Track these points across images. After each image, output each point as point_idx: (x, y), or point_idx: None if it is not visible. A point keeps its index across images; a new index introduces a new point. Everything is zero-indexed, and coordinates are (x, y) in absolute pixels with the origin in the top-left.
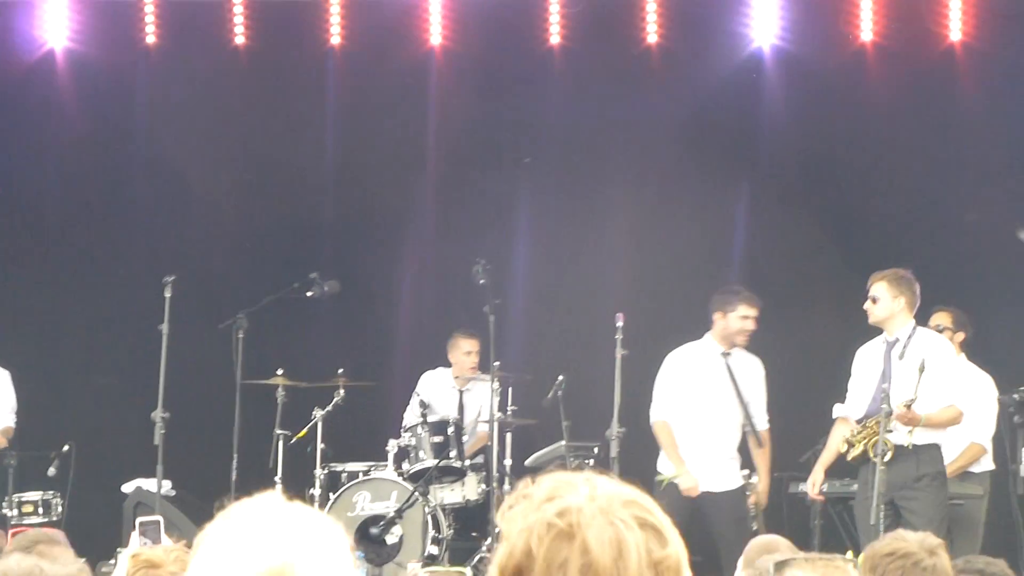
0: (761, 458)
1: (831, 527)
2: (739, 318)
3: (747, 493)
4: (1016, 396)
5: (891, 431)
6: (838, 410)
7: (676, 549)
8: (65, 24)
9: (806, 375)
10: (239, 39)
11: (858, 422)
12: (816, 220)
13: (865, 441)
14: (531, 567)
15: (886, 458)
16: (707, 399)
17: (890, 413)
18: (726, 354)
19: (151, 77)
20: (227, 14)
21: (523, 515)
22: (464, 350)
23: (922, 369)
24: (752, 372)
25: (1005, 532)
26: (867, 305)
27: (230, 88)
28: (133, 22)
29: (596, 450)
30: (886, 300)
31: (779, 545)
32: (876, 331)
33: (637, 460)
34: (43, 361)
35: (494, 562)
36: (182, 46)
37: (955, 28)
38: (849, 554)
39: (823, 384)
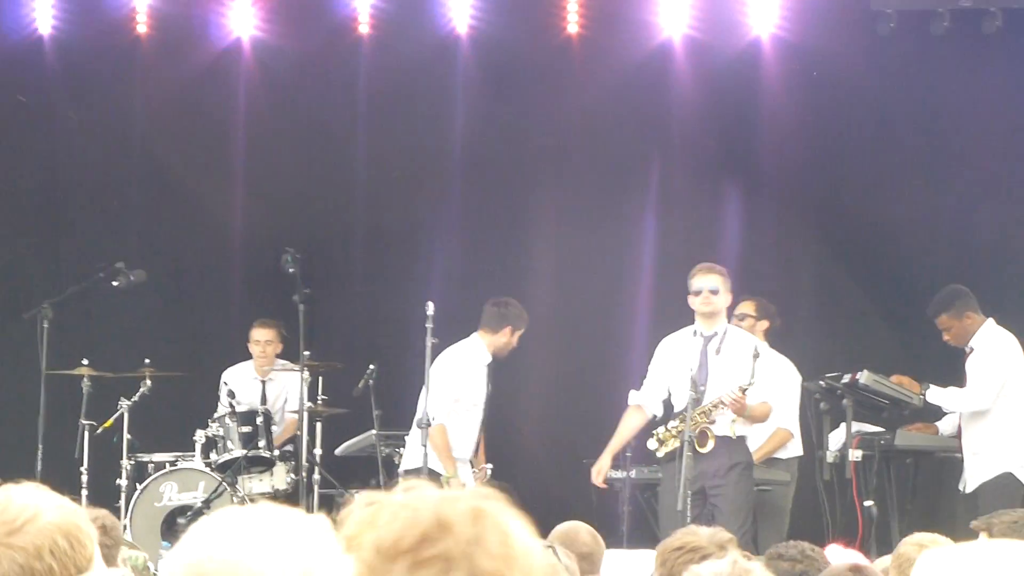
0: None
1: (639, 513)
2: None
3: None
4: (822, 383)
5: (713, 422)
6: (634, 397)
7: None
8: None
9: (615, 366)
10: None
11: (676, 415)
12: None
13: (683, 435)
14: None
15: (707, 448)
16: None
17: (719, 401)
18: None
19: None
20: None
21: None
22: (256, 339)
23: (756, 356)
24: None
25: (812, 518)
26: (704, 296)
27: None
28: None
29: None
30: (723, 293)
31: (580, 531)
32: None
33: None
34: None
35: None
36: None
37: (760, 20)
38: None
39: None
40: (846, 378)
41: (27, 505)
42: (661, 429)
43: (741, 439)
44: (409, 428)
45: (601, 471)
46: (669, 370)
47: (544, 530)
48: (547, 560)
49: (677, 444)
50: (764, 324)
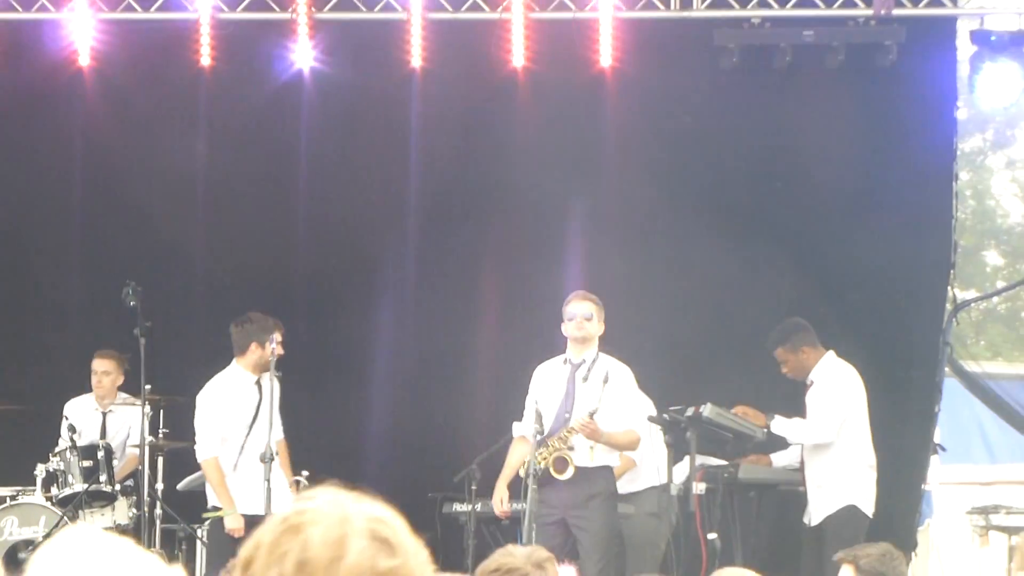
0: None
1: (485, 546)
2: None
3: None
4: (666, 416)
5: (572, 448)
6: (517, 429)
7: (408, 562)
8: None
9: (464, 399)
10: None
11: (539, 444)
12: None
13: (546, 461)
14: (256, 556)
15: (566, 475)
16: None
17: (570, 428)
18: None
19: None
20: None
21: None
22: (94, 370)
23: (606, 380)
24: None
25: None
26: (578, 322)
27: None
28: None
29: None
30: (596, 321)
31: None
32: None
33: None
34: None
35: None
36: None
37: (605, 53)
38: None
39: (479, 405)
40: (690, 411)
41: None
42: (537, 452)
43: (604, 468)
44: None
45: (503, 500)
46: (540, 397)
47: None
48: None
49: (543, 467)
50: None
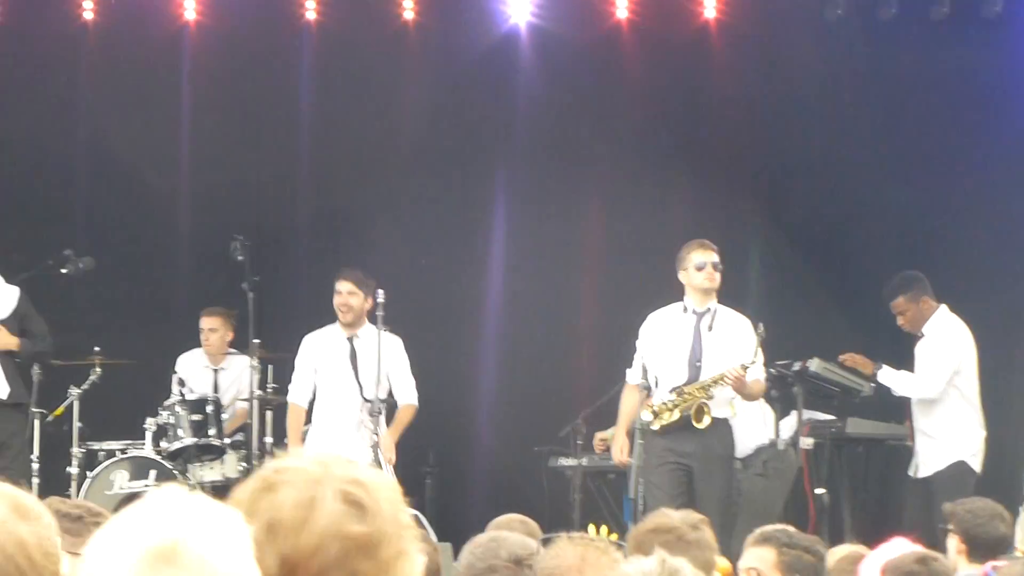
0: None
1: (591, 501)
2: None
3: None
4: (772, 370)
5: (711, 398)
6: (631, 376)
7: (380, 527)
8: None
9: (567, 354)
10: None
11: (673, 390)
12: (571, 201)
13: (680, 407)
14: None
15: (703, 424)
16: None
17: (721, 377)
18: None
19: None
20: None
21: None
22: (201, 328)
23: (760, 334)
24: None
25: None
26: (708, 271)
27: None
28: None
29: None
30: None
31: (513, 523)
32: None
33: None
34: None
35: None
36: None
37: (709, 5)
38: (604, 531)
39: (583, 359)
40: (796, 366)
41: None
42: (657, 401)
43: (724, 421)
44: None
45: (623, 449)
46: (659, 346)
47: (495, 517)
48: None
49: (673, 418)
50: None
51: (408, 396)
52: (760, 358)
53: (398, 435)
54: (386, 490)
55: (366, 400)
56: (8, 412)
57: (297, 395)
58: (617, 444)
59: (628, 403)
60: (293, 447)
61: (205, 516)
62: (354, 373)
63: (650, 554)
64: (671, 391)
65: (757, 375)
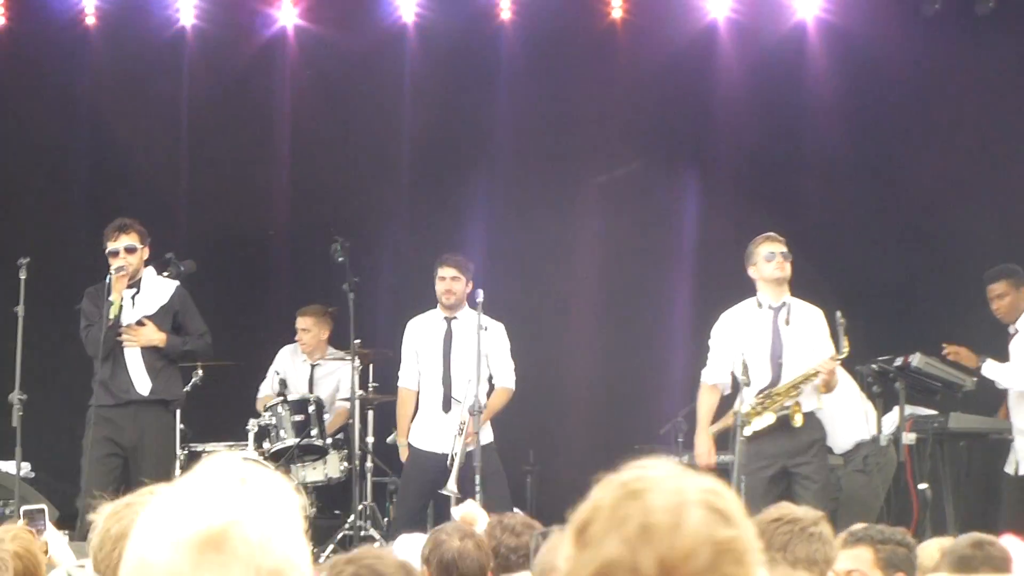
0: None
1: None
2: None
3: None
4: (874, 366)
5: (800, 393)
6: (707, 376)
7: (743, 534)
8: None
9: (666, 351)
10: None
11: (759, 394)
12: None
13: (771, 409)
14: (596, 519)
15: (797, 423)
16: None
17: (814, 371)
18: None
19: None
20: None
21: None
22: (297, 327)
23: (842, 323)
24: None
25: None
26: (778, 261)
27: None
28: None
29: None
30: (789, 263)
31: None
32: None
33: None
34: None
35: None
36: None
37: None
38: None
39: (682, 357)
40: (898, 361)
41: None
42: (745, 407)
43: (814, 414)
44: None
45: (709, 451)
46: (738, 344)
47: None
48: None
49: (766, 422)
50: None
51: (504, 379)
52: (846, 349)
53: (489, 417)
54: (735, 502)
55: (450, 384)
56: (150, 410)
57: (405, 379)
58: (702, 447)
59: (706, 404)
60: (400, 433)
61: (258, 496)
62: (444, 354)
63: (773, 546)
64: (757, 395)
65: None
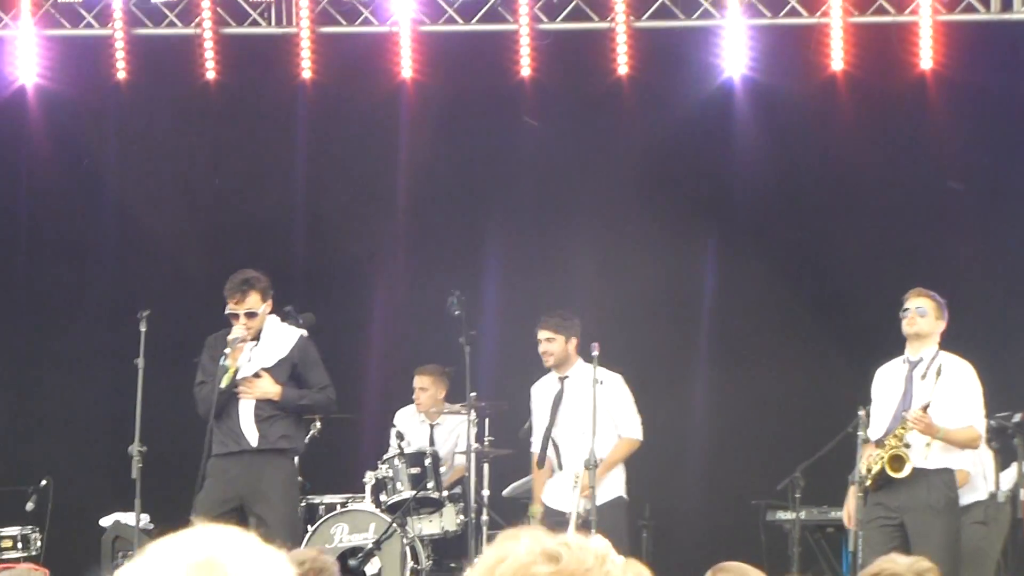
0: None
1: (810, 554)
2: None
3: None
4: (992, 422)
5: (908, 445)
6: (867, 434)
7: None
8: (36, 60)
9: (780, 407)
10: (210, 74)
11: (876, 443)
12: (785, 256)
13: (882, 460)
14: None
15: (903, 472)
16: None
17: (904, 424)
18: None
19: (121, 113)
20: (197, 49)
21: None
22: (415, 386)
23: (939, 373)
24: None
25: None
26: (911, 316)
27: (201, 123)
28: (103, 58)
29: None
30: (931, 317)
31: (747, 572)
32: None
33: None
34: (20, 396)
35: None
36: (153, 81)
37: (925, 56)
38: None
39: (796, 413)
40: (1017, 416)
41: None
42: (863, 462)
43: (943, 472)
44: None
45: (851, 514)
46: (878, 399)
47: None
48: None
49: (876, 470)
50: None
51: (627, 430)
52: (967, 402)
53: (607, 469)
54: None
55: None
56: (263, 458)
57: (533, 444)
58: (848, 505)
59: (861, 460)
60: (534, 500)
61: (244, 539)
62: (552, 412)
63: None
64: (875, 443)
65: (969, 421)
